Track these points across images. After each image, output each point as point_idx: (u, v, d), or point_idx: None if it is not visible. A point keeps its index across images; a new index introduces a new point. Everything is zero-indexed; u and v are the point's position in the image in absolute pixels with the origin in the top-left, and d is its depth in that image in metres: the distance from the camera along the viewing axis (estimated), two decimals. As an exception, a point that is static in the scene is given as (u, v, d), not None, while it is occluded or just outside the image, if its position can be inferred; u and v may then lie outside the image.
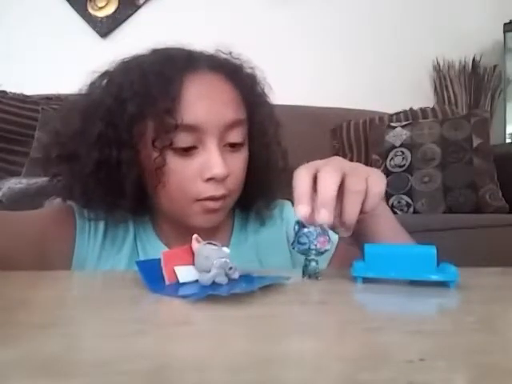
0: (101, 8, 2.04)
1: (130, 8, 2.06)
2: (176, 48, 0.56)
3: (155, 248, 0.57)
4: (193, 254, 0.37)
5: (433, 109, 1.82)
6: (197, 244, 0.37)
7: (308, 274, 0.39)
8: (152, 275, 0.35)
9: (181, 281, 0.36)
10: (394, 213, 1.49)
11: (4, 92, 1.62)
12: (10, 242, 0.49)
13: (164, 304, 0.31)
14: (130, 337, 0.23)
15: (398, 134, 1.68)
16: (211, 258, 0.35)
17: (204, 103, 0.51)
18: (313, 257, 0.39)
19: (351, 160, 1.73)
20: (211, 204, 0.52)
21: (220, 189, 0.51)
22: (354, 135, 1.83)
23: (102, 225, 0.57)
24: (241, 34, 1.85)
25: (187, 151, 0.51)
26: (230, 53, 0.58)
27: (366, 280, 0.37)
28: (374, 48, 2.14)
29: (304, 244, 0.38)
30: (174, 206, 0.54)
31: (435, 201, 1.56)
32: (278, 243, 0.62)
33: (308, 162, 0.42)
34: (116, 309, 0.30)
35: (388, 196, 1.60)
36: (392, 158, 1.67)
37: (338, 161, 0.42)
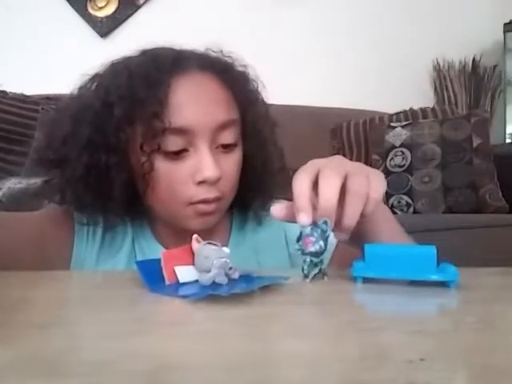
0: (101, 8, 2.04)
1: (130, 8, 2.05)
2: (165, 48, 0.55)
3: (153, 250, 0.56)
4: (193, 254, 0.37)
5: (433, 109, 1.82)
6: (197, 244, 0.37)
7: (303, 274, 0.39)
8: (151, 275, 0.35)
9: (181, 281, 0.36)
10: (394, 213, 1.49)
11: (4, 92, 1.62)
12: (9, 242, 0.49)
13: (164, 304, 0.31)
14: (129, 337, 0.23)
15: (397, 134, 1.68)
16: (211, 258, 0.35)
17: (193, 105, 0.50)
18: (305, 257, 0.38)
19: (351, 160, 1.72)
20: (204, 207, 0.51)
21: (213, 191, 0.51)
22: (353, 135, 1.83)
23: (100, 227, 0.56)
24: (242, 33, 1.86)
25: (178, 154, 0.50)
26: (221, 51, 0.57)
27: (366, 280, 0.37)
28: (374, 48, 2.14)
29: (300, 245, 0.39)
30: (166, 210, 0.53)
31: (435, 201, 1.56)
32: (276, 244, 0.62)
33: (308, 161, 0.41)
34: (116, 309, 0.30)
35: (388, 196, 1.60)
36: (392, 158, 1.67)
37: (339, 160, 0.42)
